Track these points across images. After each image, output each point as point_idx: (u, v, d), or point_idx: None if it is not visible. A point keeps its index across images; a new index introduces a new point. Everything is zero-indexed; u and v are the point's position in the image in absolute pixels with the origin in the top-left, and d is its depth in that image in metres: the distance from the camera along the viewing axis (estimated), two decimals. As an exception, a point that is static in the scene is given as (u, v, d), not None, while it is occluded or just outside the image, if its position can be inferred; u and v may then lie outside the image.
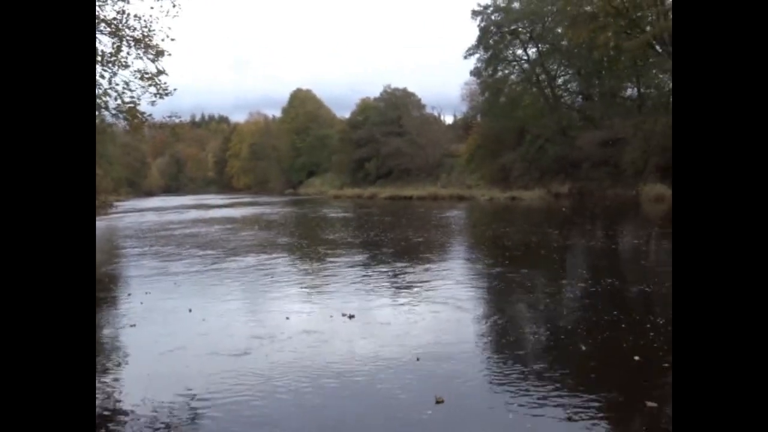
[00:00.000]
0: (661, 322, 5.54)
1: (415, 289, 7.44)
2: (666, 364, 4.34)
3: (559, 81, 38.54)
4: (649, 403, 3.74)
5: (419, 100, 57.61)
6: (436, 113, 61.68)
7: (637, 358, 4.53)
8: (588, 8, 30.37)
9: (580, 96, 38.06)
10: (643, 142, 27.01)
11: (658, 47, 28.43)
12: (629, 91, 34.04)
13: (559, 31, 35.12)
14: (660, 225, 16.61)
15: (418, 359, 4.51)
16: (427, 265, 9.65)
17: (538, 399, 3.75)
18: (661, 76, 30.10)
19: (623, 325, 5.48)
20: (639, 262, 10.50)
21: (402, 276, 8.46)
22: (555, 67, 37.74)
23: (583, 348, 4.89)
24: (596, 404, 3.70)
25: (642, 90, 32.08)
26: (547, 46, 36.73)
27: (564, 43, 34.84)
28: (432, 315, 6.08)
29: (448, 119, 63.66)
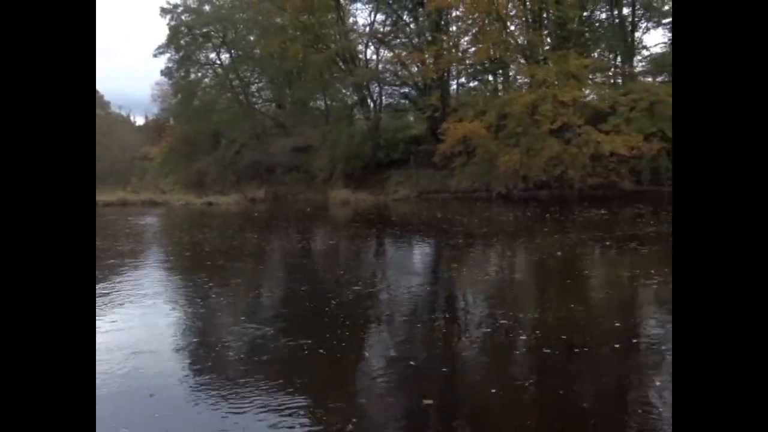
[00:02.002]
0: (371, 315, 6.22)
1: (124, 309, 6.95)
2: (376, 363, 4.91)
3: (253, 88, 39.37)
4: (426, 401, 4.05)
5: (102, 97, 52.99)
6: (124, 113, 57.61)
7: (377, 360, 5.03)
8: (278, 20, 31.73)
9: (274, 104, 39.49)
10: (330, 150, 29.35)
11: (341, 63, 31.13)
12: (318, 102, 36.47)
13: (252, 39, 35.93)
14: (348, 227, 18.33)
15: (151, 395, 4.22)
16: (129, 280, 9.08)
17: (282, 416, 3.82)
18: (344, 90, 33.05)
19: (342, 325, 6.00)
20: (336, 263, 11.47)
21: (103, 293, 7.81)
22: (249, 74, 38.42)
23: (320, 353, 5.22)
24: (366, 408, 3.99)
25: (328, 102, 34.72)
26: (240, 52, 37.20)
27: (257, 51, 35.73)
28: (146, 338, 5.78)
29: (139, 120, 59.90)
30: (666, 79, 24.45)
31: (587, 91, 23.93)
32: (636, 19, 26.16)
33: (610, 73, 26.71)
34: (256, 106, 39.15)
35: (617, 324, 6.42)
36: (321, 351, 5.17)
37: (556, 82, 22.29)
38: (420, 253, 12.56)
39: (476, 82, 29.30)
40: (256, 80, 39.26)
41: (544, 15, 24.82)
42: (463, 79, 30.18)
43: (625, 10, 26.09)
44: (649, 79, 24.83)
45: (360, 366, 5.09)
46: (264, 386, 4.33)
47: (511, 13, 25.19)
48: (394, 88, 32.03)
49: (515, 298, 8.06)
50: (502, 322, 6.43)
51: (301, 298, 7.41)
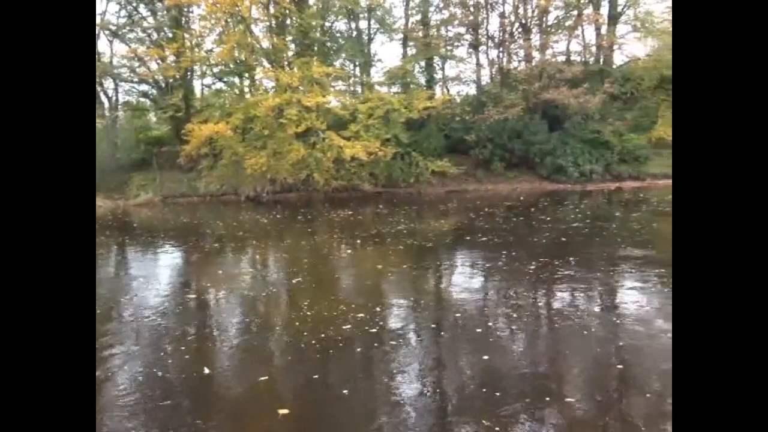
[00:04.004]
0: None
1: None
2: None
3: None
4: (282, 411, 4.11)
5: None
6: None
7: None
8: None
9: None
10: (58, 150, 26.27)
11: (68, 55, 27.98)
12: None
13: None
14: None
15: None
16: None
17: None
18: None
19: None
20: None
21: None
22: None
23: None
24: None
25: (54, 96, 30.94)
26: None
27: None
28: None
29: None
30: (399, 90, 26.78)
31: (330, 98, 25.07)
32: (372, 33, 28.20)
33: (351, 82, 28.38)
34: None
35: (368, 317, 6.88)
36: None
37: (301, 88, 22.94)
38: (168, 262, 11.91)
39: (222, 84, 28.74)
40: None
41: (288, 21, 25.37)
42: (208, 80, 29.38)
43: (363, 24, 27.97)
44: (385, 89, 26.93)
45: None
46: None
47: (255, 17, 25.24)
48: (132, 85, 29.83)
49: (274, 301, 8.12)
50: (277, 323, 6.43)
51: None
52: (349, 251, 12.18)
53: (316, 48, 25.61)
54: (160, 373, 5.22)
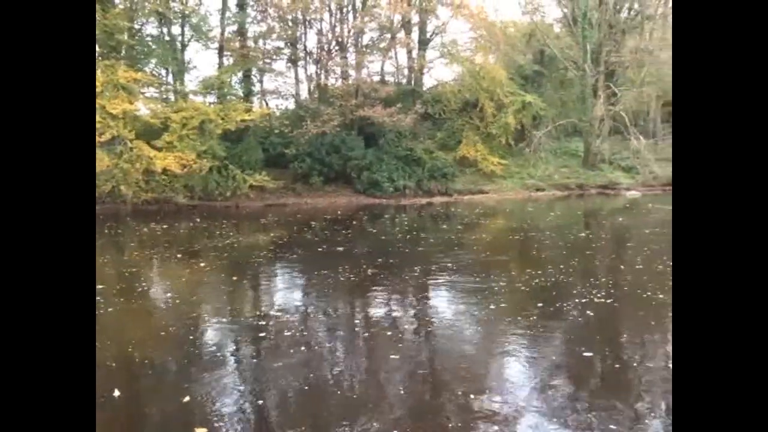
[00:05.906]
0: None
1: None
2: None
3: None
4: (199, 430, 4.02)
5: None
6: None
7: None
8: None
9: None
10: None
11: None
12: None
13: None
14: None
15: None
16: None
17: None
18: None
19: None
20: None
21: None
22: None
23: None
24: None
25: None
26: None
27: None
28: None
29: None
30: (215, 101, 25.92)
31: (139, 105, 23.49)
32: (186, 39, 27.00)
33: (163, 90, 26.85)
34: None
35: (185, 339, 6.47)
36: None
37: (105, 93, 21.18)
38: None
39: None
40: None
41: (90, 20, 23.33)
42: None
43: (176, 30, 26.67)
44: (200, 99, 25.89)
45: None
46: None
47: (51, 12, 22.82)
48: None
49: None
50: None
51: None
52: (164, 268, 11.44)
53: (123, 51, 23.88)
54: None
